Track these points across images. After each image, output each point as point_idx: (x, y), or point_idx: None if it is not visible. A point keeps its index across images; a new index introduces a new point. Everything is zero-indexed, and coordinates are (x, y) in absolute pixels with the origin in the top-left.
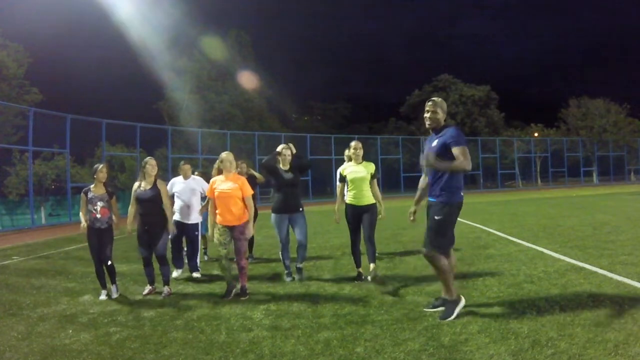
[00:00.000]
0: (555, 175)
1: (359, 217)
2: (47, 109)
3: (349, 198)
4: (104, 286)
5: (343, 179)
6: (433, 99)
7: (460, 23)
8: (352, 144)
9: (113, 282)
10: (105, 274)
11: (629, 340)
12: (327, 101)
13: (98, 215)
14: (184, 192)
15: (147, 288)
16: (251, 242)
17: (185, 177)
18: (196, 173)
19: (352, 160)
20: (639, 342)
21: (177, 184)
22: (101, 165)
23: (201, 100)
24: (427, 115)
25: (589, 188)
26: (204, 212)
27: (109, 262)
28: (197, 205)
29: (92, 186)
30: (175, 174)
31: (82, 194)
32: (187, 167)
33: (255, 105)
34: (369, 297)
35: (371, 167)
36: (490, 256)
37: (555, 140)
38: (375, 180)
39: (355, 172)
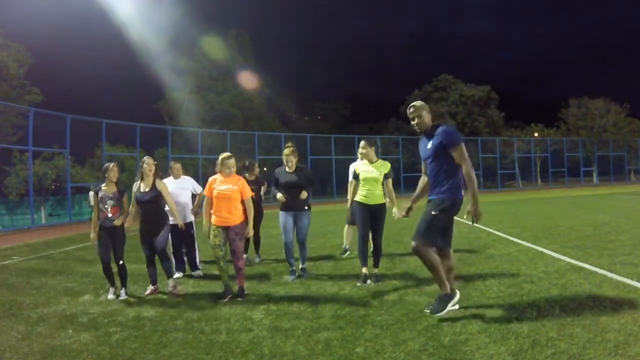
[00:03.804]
0: (555, 175)
1: (369, 216)
2: (47, 109)
3: (360, 196)
4: (112, 283)
5: (357, 176)
6: (413, 104)
7: (460, 23)
8: (361, 144)
9: (124, 285)
10: (113, 272)
11: (629, 340)
12: (327, 101)
13: (109, 215)
14: (175, 192)
15: (150, 288)
16: (257, 243)
17: (176, 177)
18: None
19: (365, 160)
20: (639, 342)
21: (168, 185)
22: (112, 164)
23: (201, 100)
24: (413, 122)
25: (589, 188)
26: (195, 210)
27: (121, 262)
28: (189, 204)
29: (103, 185)
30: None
31: (93, 193)
32: (178, 167)
33: (255, 105)
34: (369, 297)
35: (385, 167)
36: (490, 256)
37: (555, 140)
38: (389, 180)
39: (368, 171)
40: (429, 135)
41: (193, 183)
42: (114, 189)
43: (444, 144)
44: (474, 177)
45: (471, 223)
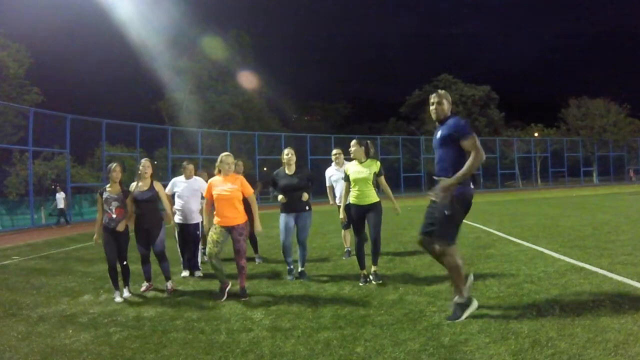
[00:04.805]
0: (555, 175)
1: (363, 216)
2: (47, 109)
3: (352, 198)
4: (117, 287)
5: (347, 178)
6: (437, 90)
7: (460, 23)
8: (351, 143)
9: (126, 283)
10: (117, 274)
11: (629, 340)
12: (327, 101)
13: (114, 215)
14: (186, 192)
15: (145, 285)
16: (254, 242)
17: (188, 177)
18: (200, 172)
19: (355, 160)
20: (639, 342)
21: (178, 184)
22: (114, 165)
23: (201, 100)
24: (432, 107)
25: (589, 188)
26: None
27: (125, 263)
28: (197, 205)
29: (107, 186)
30: (175, 174)
31: (97, 194)
32: (191, 167)
33: (255, 105)
34: (369, 297)
35: (375, 166)
36: (490, 256)
37: (555, 140)
38: (382, 177)
39: (358, 172)
40: (442, 124)
41: (203, 184)
42: (118, 189)
43: (454, 136)
44: (475, 165)
45: (432, 195)
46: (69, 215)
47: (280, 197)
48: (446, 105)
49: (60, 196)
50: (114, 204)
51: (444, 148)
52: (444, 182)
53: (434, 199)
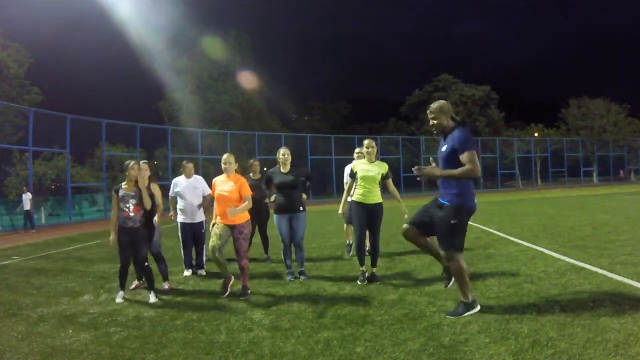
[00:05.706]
0: (555, 175)
1: (366, 215)
2: (47, 109)
3: (356, 195)
4: (122, 287)
5: (354, 175)
6: (430, 105)
7: (460, 23)
8: (365, 142)
9: (152, 287)
10: (127, 275)
11: (629, 340)
12: (327, 101)
13: (131, 214)
14: (187, 190)
15: (135, 283)
16: (266, 242)
17: (188, 176)
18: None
19: (365, 159)
20: (639, 342)
21: (179, 184)
22: (132, 162)
23: (201, 100)
24: (430, 124)
25: (589, 188)
26: (206, 210)
27: (146, 264)
28: (200, 203)
29: (123, 184)
30: (176, 174)
31: (112, 192)
32: (190, 166)
33: (255, 105)
34: (369, 297)
35: (384, 168)
36: (490, 256)
37: (555, 140)
38: (390, 180)
39: (367, 170)
40: (445, 137)
41: (204, 184)
42: (134, 187)
43: (456, 148)
44: (465, 175)
45: (416, 172)
46: (33, 219)
47: (272, 197)
48: (444, 118)
49: (27, 197)
50: (132, 201)
51: (449, 162)
52: (433, 168)
53: (415, 172)
